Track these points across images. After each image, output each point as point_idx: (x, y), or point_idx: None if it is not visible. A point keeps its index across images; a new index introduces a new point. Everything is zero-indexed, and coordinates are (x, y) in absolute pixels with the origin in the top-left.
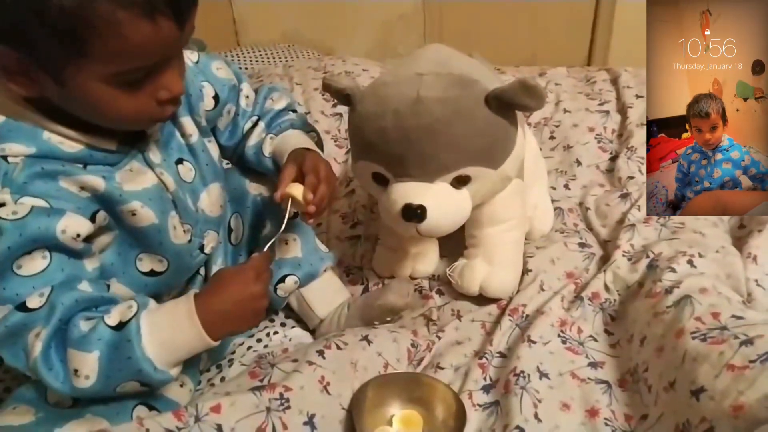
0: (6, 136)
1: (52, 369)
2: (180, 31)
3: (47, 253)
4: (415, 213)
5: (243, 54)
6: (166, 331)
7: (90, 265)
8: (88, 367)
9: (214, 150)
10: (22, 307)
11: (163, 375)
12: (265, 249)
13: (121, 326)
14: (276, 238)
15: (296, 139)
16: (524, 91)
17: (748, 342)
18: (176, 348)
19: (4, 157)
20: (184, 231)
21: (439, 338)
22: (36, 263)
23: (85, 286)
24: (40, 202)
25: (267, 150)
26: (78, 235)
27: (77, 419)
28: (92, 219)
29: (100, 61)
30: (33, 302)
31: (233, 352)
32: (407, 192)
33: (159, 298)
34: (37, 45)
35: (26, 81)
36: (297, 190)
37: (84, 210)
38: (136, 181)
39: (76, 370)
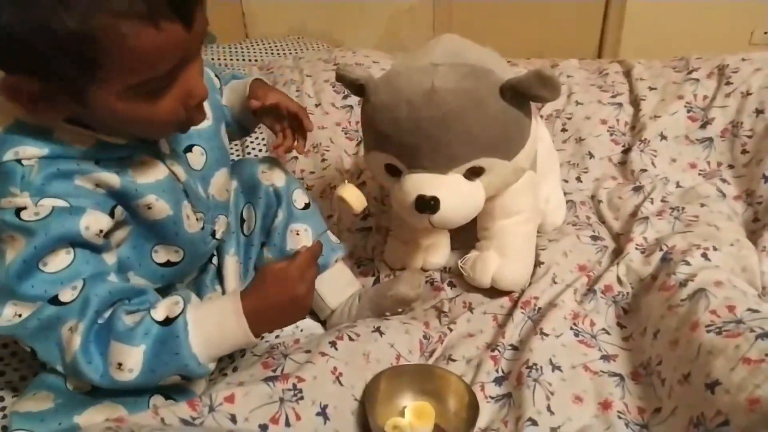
0: (17, 139)
1: (91, 362)
2: (188, 32)
3: (71, 249)
4: (428, 204)
5: (252, 46)
6: (213, 328)
7: (109, 260)
8: (132, 360)
9: (224, 135)
10: (54, 300)
11: (203, 369)
12: (313, 242)
13: (168, 321)
14: (324, 232)
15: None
16: (540, 81)
17: (765, 335)
18: (221, 344)
19: (19, 161)
20: (197, 219)
21: (451, 330)
22: (60, 259)
23: (113, 277)
24: (60, 202)
25: (225, 100)
26: (101, 231)
27: (95, 406)
28: (111, 214)
29: (115, 76)
30: (66, 295)
31: None
32: (420, 183)
33: (173, 286)
34: (53, 70)
35: (51, 106)
36: (350, 193)
37: (102, 206)
38: (148, 173)
39: (120, 364)
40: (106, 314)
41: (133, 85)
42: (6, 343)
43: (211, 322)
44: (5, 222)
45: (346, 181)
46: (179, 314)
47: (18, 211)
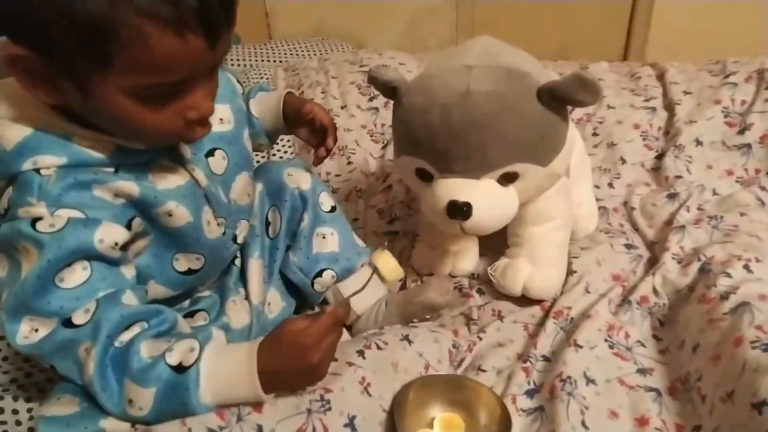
0: (36, 148)
1: (106, 390)
2: (211, 51)
3: (87, 264)
4: (460, 210)
5: (276, 47)
6: (225, 385)
7: (128, 273)
8: (142, 400)
9: (247, 140)
10: (68, 323)
11: (210, 412)
12: (341, 301)
13: (181, 369)
14: (354, 294)
15: (270, 94)
16: (580, 85)
17: None
18: (230, 397)
19: (37, 170)
20: (218, 224)
21: (480, 339)
22: (77, 275)
23: (129, 298)
24: (76, 213)
25: (254, 111)
26: (116, 244)
27: None
28: (128, 227)
29: (123, 72)
30: (79, 318)
31: None
32: (452, 188)
33: (194, 290)
34: (62, 51)
35: (49, 88)
36: (384, 262)
37: (120, 218)
38: (168, 179)
39: (130, 400)
40: (123, 338)
41: (140, 87)
42: None
43: (224, 378)
44: (21, 232)
45: (385, 244)
46: (193, 363)
47: (34, 221)
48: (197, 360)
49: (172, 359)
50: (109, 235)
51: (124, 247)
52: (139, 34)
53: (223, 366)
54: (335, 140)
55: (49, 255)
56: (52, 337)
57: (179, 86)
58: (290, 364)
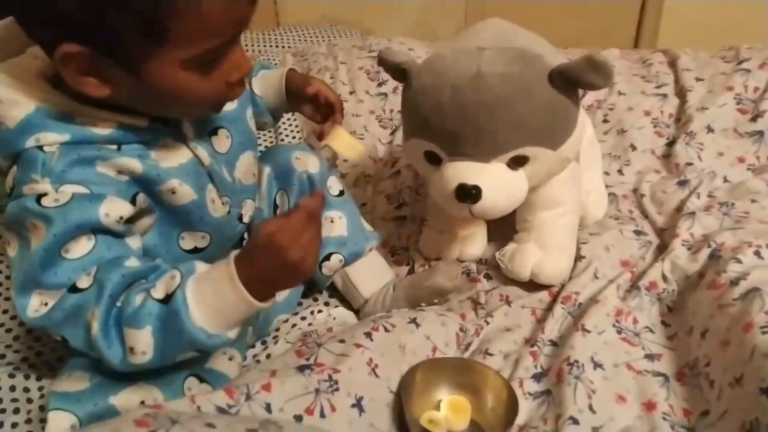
0: (39, 125)
1: (111, 347)
2: (253, 5)
3: (92, 235)
4: (469, 194)
5: (285, 33)
6: (212, 299)
7: (134, 244)
8: (142, 343)
9: (251, 119)
10: (73, 288)
11: (218, 339)
12: (314, 193)
13: (167, 299)
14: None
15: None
16: (592, 67)
17: None
18: (226, 314)
19: (40, 147)
20: (223, 203)
21: (488, 323)
22: (82, 245)
23: (132, 262)
24: (81, 189)
25: (257, 89)
26: (120, 218)
27: (131, 386)
28: (132, 202)
29: (180, 44)
30: (82, 282)
31: (278, 329)
32: (462, 172)
33: None
34: (119, 39)
35: (98, 82)
36: (339, 140)
37: (124, 193)
38: (171, 157)
39: (131, 348)
40: (123, 297)
41: (195, 55)
42: None
43: (209, 293)
44: (27, 209)
45: (337, 126)
46: (176, 289)
47: (39, 197)
48: (180, 285)
49: (158, 293)
50: (114, 209)
51: (131, 221)
52: (192, 2)
53: (207, 285)
54: (342, 116)
55: (56, 229)
56: (61, 305)
57: (224, 47)
58: (271, 266)
